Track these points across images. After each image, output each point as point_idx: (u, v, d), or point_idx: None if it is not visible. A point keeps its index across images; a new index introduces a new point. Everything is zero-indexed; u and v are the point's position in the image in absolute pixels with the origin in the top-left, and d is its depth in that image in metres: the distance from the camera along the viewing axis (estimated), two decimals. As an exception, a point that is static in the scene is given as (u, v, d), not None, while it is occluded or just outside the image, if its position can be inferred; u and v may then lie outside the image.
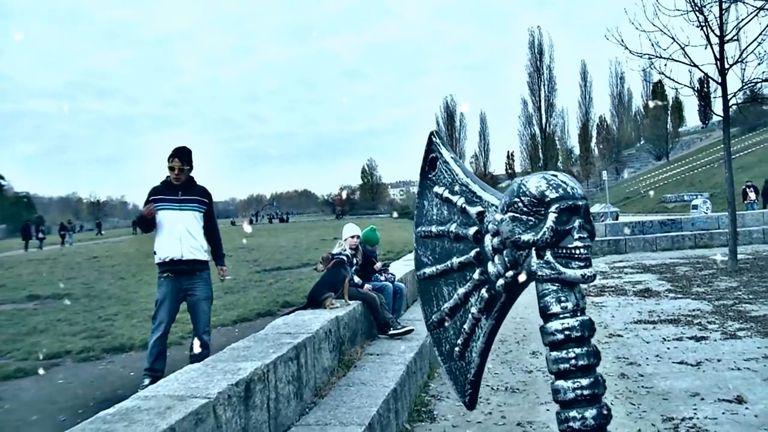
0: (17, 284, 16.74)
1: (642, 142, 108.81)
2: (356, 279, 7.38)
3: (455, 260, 2.74)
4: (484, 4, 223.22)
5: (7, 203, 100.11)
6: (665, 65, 14.26)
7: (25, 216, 79.85)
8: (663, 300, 10.58)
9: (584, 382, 2.27)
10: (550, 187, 2.31)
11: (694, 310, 9.46)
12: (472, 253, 2.66)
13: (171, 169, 6.22)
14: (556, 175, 2.37)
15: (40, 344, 8.24)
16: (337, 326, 6.01)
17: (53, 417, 5.41)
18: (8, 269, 22.78)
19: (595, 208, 39.53)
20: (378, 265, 8.27)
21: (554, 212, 2.27)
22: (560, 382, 2.31)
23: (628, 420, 5.09)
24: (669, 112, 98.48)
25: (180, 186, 6.26)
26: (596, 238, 14.24)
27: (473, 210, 2.67)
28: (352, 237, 7.58)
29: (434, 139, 2.97)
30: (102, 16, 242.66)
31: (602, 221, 29.27)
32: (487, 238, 2.57)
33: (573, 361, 2.27)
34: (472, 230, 2.66)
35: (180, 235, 6.14)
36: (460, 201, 2.74)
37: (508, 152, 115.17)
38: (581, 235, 2.29)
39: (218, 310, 10.05)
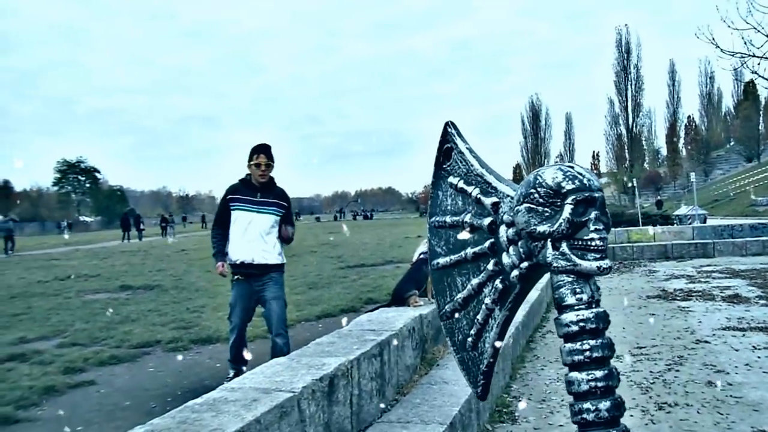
0: (111, 274, 17.37)
1: (732, 143, 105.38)
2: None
3: (469, 251, 2.76)
4: (569, 1, 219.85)
5: (102, 196, 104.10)
6: (758, 64, 13.79)
7: (119, 209, 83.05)
8: (753, 306, 10.25)
9: (598, 374, 2.28)
10: (567, 179, 2.31)
11: (786, 318, 9.14)
12: (487, 243, 2.67)
13: (257, 166, 5.99)
14: (572, 167, 2.38)
15: (132, 333, 8.56)
16: (420, 324, 6.04)
17: (145, 403, 5.62)
18: (103, 259, 23.66)
19: (682, 210, 38.47)
20: None
21: (570, 204, 2.28)
22: (574, 374, 2.31)
23: (715, 430, 4.97)
24: (761, 112, 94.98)
25: (260, 186, 6.07)
26: (683, 242, 13.94)
27: (488, 201, 2.68)
28: None
29: (449, 130, 2.98)
30: (189, 15, 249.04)
31: (690, 224, 28.49)
32: (502, 228, 2.58)
33: (587, 353, 2.28)
34: (486, 221, 2.67)
35: (254, 238, 5.97)
36: (475, 191, 2.76)
37: (594, 152, 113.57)
38: (597, 227, 2.29)
39: (302, 305, 10.24)
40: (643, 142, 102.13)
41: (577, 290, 2.32)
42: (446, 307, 2.90)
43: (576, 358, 2.30)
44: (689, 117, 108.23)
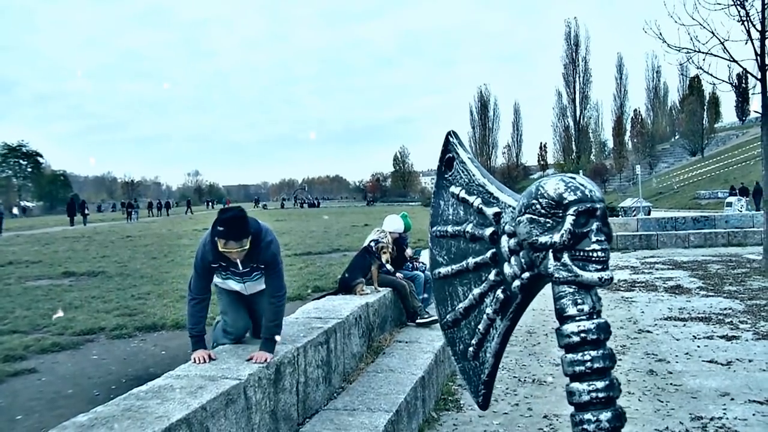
0: (54, 260, 16.99)
1: (677, 137, 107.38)
2: (389, 267, 7.40)
3: (471, 260, 2.77)
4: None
5: (44, 181, 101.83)
6: (703, 60, 14.03)
7: (62, 194, 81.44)
8: (694, 297, 10.50)
9: (599, 384, 2.30)
10: (569, 190, 2.33)
11: (725, 308, 9.37)
12: (488, 253, 2.69)
13: (228, 253, 4.00)
14: (574, 178, 2.40)
15: (75, 320, 8.39)
16: (367, 312, 6.05)
17: (88, 391, 5.53)
18: (45, 245, 23.14)
19: (627, 203, 39.17)
20: (408, 251, 8.30)
21: (572, 215, 2.30)
22: (575, 385, 2.33)
23: (655, 417, 5.09)
24: (705, 107, 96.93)
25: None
26: (627, 233, 14.17)
27: (490, 211, 2.69)
28: (392, 233, 7.63)
29: (451, 140, 3.00)
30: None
31: (634, 216, 29.02)
32: (504, 239, 2.59)
33: (588, 364, 2.30)
34: (488, 231, 2.68)
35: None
36: (476, 201, 2.77)
37: (541, 143, 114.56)
38: (599, 238, 2.31)
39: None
40: (590, 134, 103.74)
41: (579, 301, 2.33)
42: (447, 316, 2.89)
43: (577, 368, 2.31)
44: (636, 110, 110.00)
